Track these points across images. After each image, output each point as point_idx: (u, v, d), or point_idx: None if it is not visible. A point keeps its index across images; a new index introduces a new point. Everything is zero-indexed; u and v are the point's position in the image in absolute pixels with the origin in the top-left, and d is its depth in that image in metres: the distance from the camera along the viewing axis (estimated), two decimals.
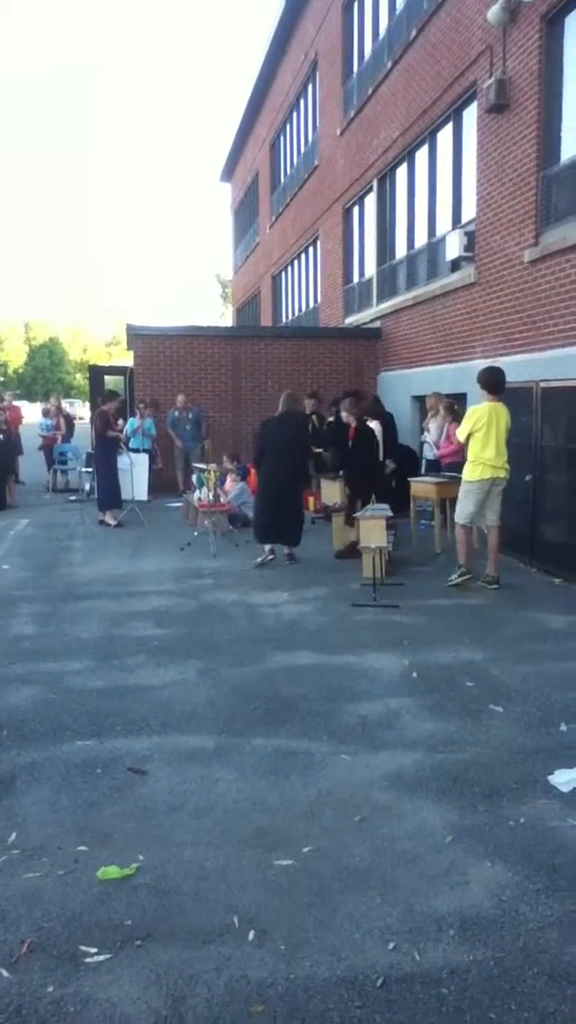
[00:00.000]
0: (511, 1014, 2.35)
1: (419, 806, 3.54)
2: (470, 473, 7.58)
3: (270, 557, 8.69)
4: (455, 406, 10.26)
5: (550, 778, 3.76)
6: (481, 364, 10.02)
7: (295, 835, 3.31)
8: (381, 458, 9.94)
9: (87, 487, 13.21)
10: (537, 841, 3.24)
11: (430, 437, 10.76)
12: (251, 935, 2.70)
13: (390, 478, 10.16)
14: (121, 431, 12.42)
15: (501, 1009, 2.37)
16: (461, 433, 7.67)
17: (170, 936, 2.70)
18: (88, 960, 2.59)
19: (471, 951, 2.62)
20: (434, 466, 10.52)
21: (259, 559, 8.67)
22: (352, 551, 8.61)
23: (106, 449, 11.52)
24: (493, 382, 7.60)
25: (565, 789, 3.65)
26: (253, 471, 11.46)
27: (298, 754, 4.08)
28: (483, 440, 7.46)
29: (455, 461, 9.95)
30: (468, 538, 7.68)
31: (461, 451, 9.19)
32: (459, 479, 8.28)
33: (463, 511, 7.66)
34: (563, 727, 4.36)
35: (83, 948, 2.64)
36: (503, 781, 3.75)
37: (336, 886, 2.97)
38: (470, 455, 7.60)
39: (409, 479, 10.04)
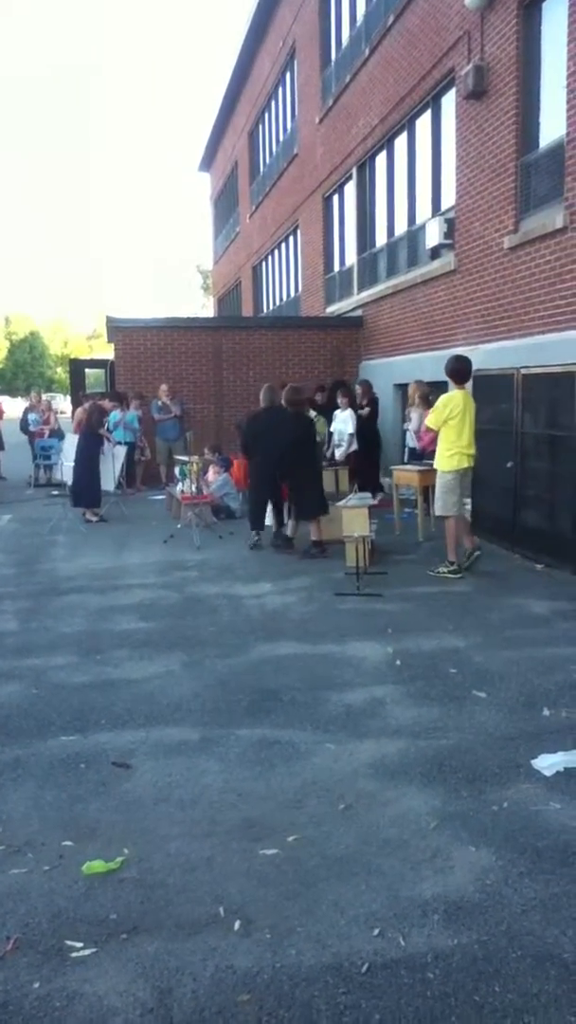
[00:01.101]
0: (496, 996, 2.37)
1: (403, 793, 3.55)
2: (447, 463, 7.54)
3: (256, 538, 9.13)
4: (429, 396, 10.26)
5: (533, 762, 3.78)
6: (464, 351, 10.05)
7: (280, 825, 3.32)
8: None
9: (64, 479, 13.15)
10: (520, 825, 3.26)
11: (411, 426, 10.78)
12: (237, 925, 2.71)
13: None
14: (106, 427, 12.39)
15: (486, 992, 2.39)
16: (435, 421, 7.59)
17: (156, 928, 2.71)
18: (74, 955, 2.59)
19: (455, 935, 2.63)
20: (415, 455, 10.53)
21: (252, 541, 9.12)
22: (289, 545, 9.00)
23: (92, 444, 11.46)
24: (461, 370, 7.65)
25: (548, 773, 3.68)
26: (236, 463, 11.47)
27: (283, 744, 4.09)
28: (458, 428, 7.49)
29: (432, 449, 9.98)
30: (457, 528, 7.64)
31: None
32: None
33: (447, 503, 7.57)
34: (546, 712, 4.39)
35: (69, 943, 2.64)
36: (486, 766, 3.78)
37: (321, 874, 2.98)
38: (444, 444, 7.56)
39: (392, 468, 10.07)
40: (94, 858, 3.10)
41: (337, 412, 11.90)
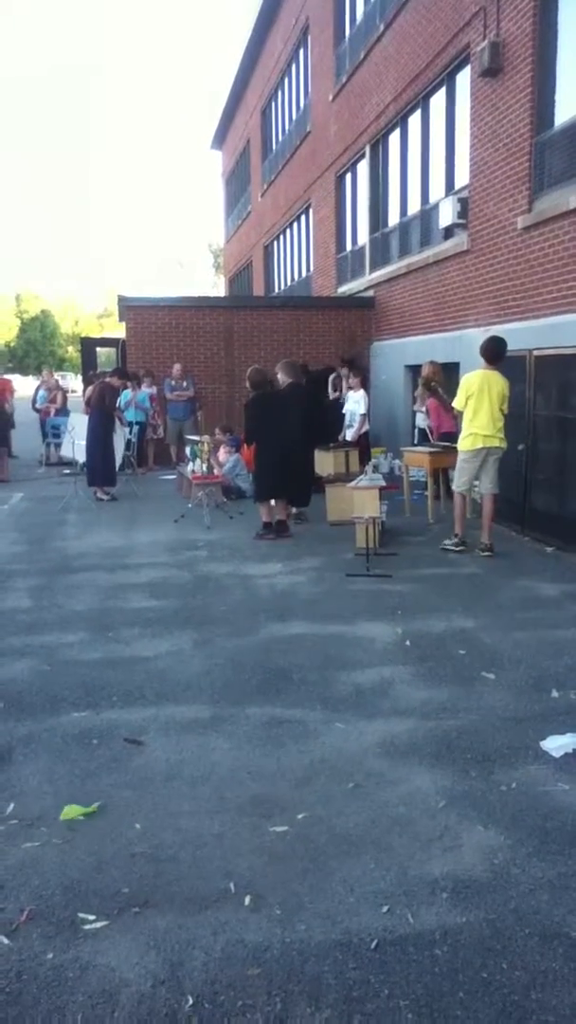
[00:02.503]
0: (503, 973, 2.40)
1: (412, 772, 3.58)
2: (462, 443, 7.69)
3: (270, 536, 8.66)
4: (431, 383, 10.21)
5: (542, 744, 3.80)
6: (474, 332, 10.02)
7: (290, 802, 3.35)
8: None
9: (80, 460, 13.17)
10: (529, 805, 3.29)
11: (421, 407, 10.77)
12: (247, 901, 2.74)
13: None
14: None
15: (493, 968, 2.42)
16: (458, 403, 7.73)
17: (167, 903, 2.74)
18: (87, 927, 2.63)
19: (464, 913, 2.66)
20: (425, 436, 10.52)
21: (261, 533, 8.71)
22: (281, 528, 8.71)
23: (105, 423, 11.49)
24: (494, 350, 7.66)
25: (556, 755, 3.69)
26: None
27: (293, 723, 4.11)
28: (474, 408, 7.52)
29: (448, 431, 9.98)
30: (462, 505, 7.81)
31: (453, 422, 9.33)
32: (452, 449, 8.41)
33: (457, 480, 7.86)
34: (555, 693, 4.40)
35: (82, 915, 2.68)
36: (495, 747, 3.79)
37: (331, 851, 3.01)
38: (464, 423, 7.67)
39: (403, 449, 10.05)
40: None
41: (350, 392, 11.86)
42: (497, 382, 7.54)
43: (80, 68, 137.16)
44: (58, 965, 2.46)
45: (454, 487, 7.99)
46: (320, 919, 2.65)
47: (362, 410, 11.47)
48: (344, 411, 11.89)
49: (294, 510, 9.24)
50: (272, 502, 8.69)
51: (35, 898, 2.78)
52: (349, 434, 11.59)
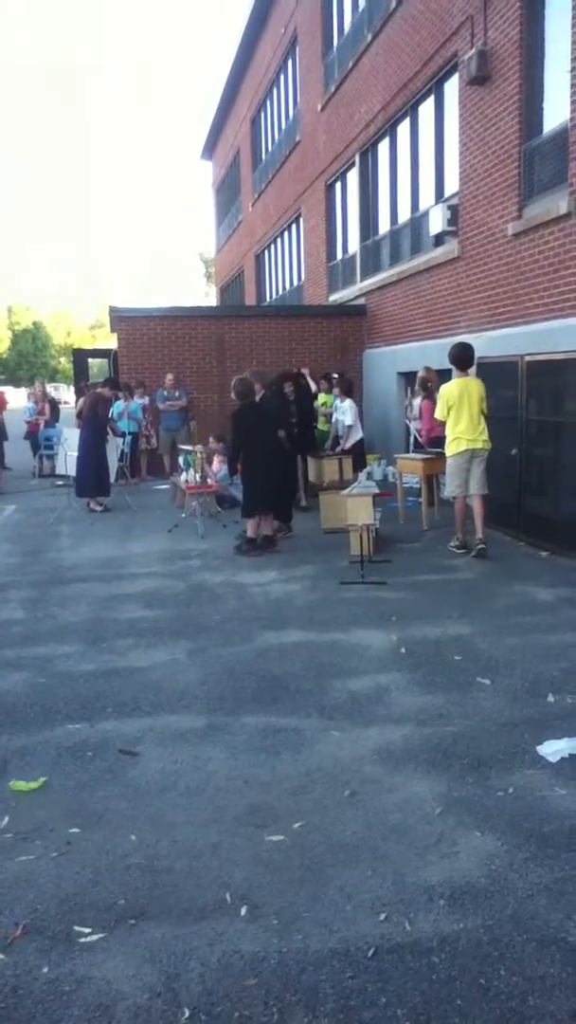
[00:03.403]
0: (501, 979, 2.39)
1: (408, 779, 3.57)
2: (448, 448, 7.94)
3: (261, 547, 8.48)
4: (429, 384, 10.25)
5: (538, 748, 3.79)
6: (466, 339, 10.03)
7: (286, 811, 3.34)
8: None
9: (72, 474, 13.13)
10: (526, 811, 3.28)
11: (412, 412, 10.79)
12: (244, 911, 2.73)
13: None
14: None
15: (491, 975, 2.40)
16: (440, 414, 7.99)
17: (163, 914, 2.73)
18: (82, 940, 2.61)
19: (461, 920, 2.65)
20: (419, 443, 10.53)
21: (246, 547, 8.35)
22: (269, 542, 8.47)
23: (97, 434, 11.48)
24: (463, 357, 7.93)
25: (553, 759, 3.69)
26: None
27: (288, 731, 4.10)
28: (456, 415, 7.77)
29: (438, 436, 10.01)
30: (461, 508, 8.00)
31: (438, 427, 9.44)
32: (443, 455, 8.52)
33: (450, 485, 8.02)
34: (550, 698, 4.40)
35: (77, 928, 2.67)
36: (491, 753, 3.79)
37: (327, 860, 3.00)
38: (447, 431, 7.92)
39: (396, 456, 10.06)
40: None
41: (336, 402, 11.82)
42: (474, 386, 7.81)
43: (70, 78, 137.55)
44: (53, 979, 2.45)
45: (446, 493, 8.25)
46: (317, 928, 2.63)
47: (348, 421, 11.40)
48: (333, 420, 11.86)
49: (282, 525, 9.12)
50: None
51: (30, 912, 2.76)
52: (346, 444, 11.54)
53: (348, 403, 11.54)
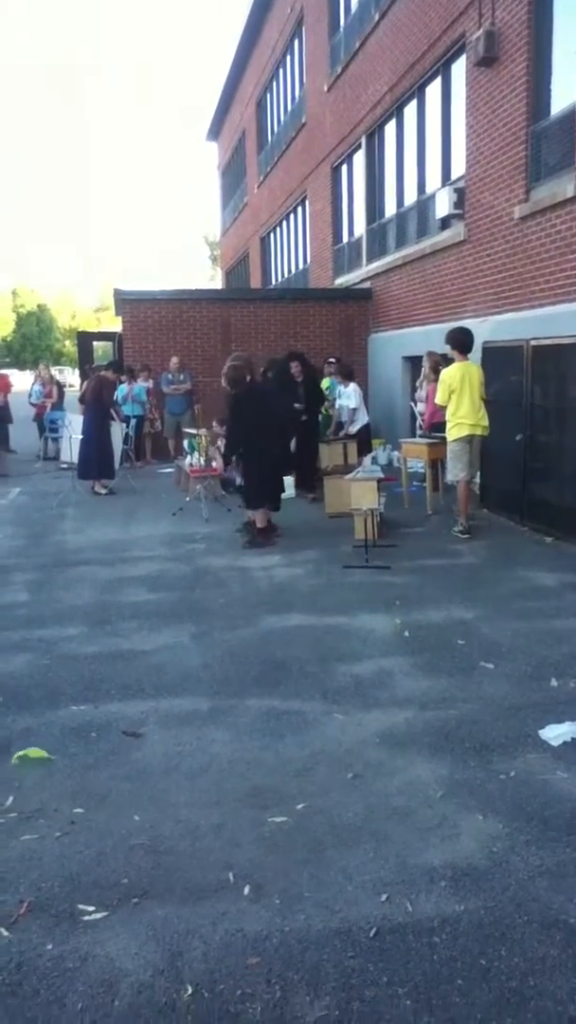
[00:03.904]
0: (501, 960, 2.40)
1: (411, 762, 3.58)
2: (451, 433, 7.99)
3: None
4: (440, 366, 10.22)
5: (541, 732, 3.80)
6: (472, 323, 9.99)
7: (289, 793, 3.35)
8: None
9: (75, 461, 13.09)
10: (528, 794, 3.29)
11: (419, 395, 10.75)
12: (246, 890, 2.75)
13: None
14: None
15: (492, 956, 2.42)
16: (441, 398, 8.04)
17: (167, 893, 2.75)
18: (86, 918, 2.64)
19: (462, 901, 2.67)
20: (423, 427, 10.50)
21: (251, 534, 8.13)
22: (266, 535, 8.06)
23: (101, 417, 11.47)
24: (464, 342, 8.01)
25: (555, 743, 3.70)
26: None
27: (291, 714, 4.12)
28: (457, 400, 7.85)
29: (440, 421, 9.99)
30: (465, 492, 8.07)
31: (440, 411, 9.47)
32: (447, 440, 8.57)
33: (454, 469, 8.05)
34: (553, 682, 4.41)
35: (81, 907, 2.69)
36: (494, 736, 3.80)
37: (330, 841, 3.01)
38: (448, 415, 7.98)
39: (401, 441, 10.03)
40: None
41: (340, 388, 11.72)
42: (475, 371, 7.93)
43: (75, 64, 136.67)
44: (57, 956, 2.47)
45: (449, 478, 8.29)
46: (319, 908, 2.65)
47: (353, 404, 11.35)
48: (337, 406, 11.78)
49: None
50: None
51: (34, 890, 2.78)
52: (351, 429, 11.45)
53: (352, 387, 11.50)
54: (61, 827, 3.15)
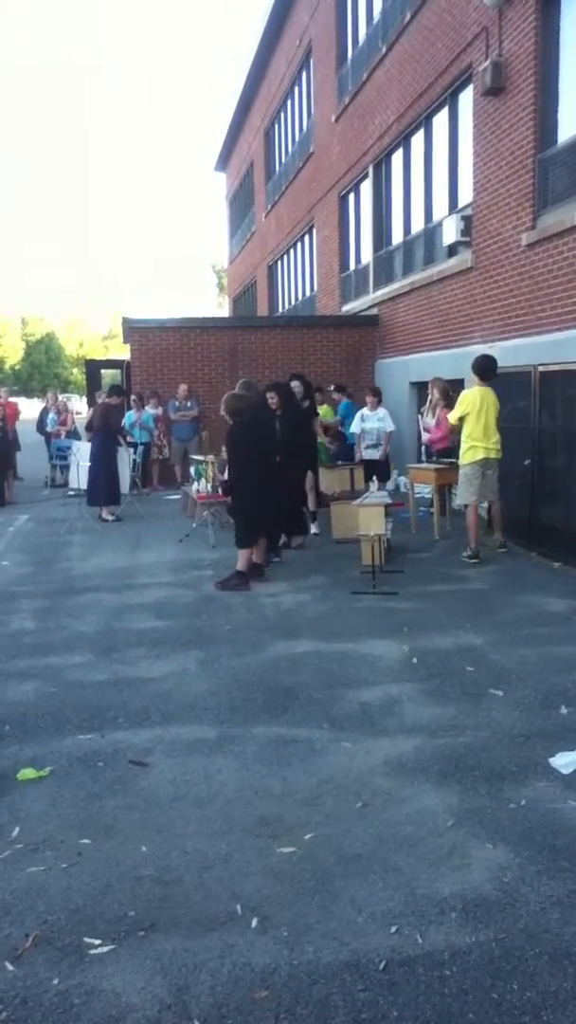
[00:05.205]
0: (513, 994, 2.36)
1: (420, 791, 3.54)
2: (465, 456, 8.01)
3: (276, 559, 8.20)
4: (450, 392, 10.23)
5: (551, 760, 3.77)
6: (480, 349, 10.02)
7: (297, 822, 3.32)
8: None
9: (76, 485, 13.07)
10: (538, 823, 3.25)
11: (424, 422, 10.69)
12: (254, 923, 2.71)
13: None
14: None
15: (503, 989, 2.38)
16: (452, 416, 8.16)
17: (173, 926, 2.72)
18: (92, 952, 2.60)
19: (473, 933, 2.63)
20: (430, 452, 10.48)
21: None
22: (256, 572, 7.56)
23: (107, 444, 11.52)
24: (488, 368, 8.07)
25: (566, 771, 3.66)
26: None
27: (299, 742, 4.09)
28: (474, 423, 7.91)
29: (446, 447, 10.00)
30: (474, 517, 8.08)
31: (449, 436, 9.50)
32: (456, 465, 8.63)
33: (465, 493, 8.07)
34: (563, 710, 4.37)
35: (87, 940, 2.65)
36: (504, 764, 3.76)
37: (338, 872, 2.98)
38: (463, 438, 8.01)
39: (408, 466, 10.01)
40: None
41: (366, 411, 11.28)
42: (492, 397, 7.98)
43: (74, 59, 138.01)
44: (63, 991, 2.44)
45: (458, 502, 8.30)
46: (328, 940, 2.62)
47: (391, 427, 11.06)
48: (364, 429, 11.23)
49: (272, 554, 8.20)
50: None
51: (40, 923, 2.75)
52: (377, 453, 11.07)
53: (384, 410, 11.29)
54: (68, 858, 3.12)
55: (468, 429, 7.93)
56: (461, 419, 8.01)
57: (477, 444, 7.89)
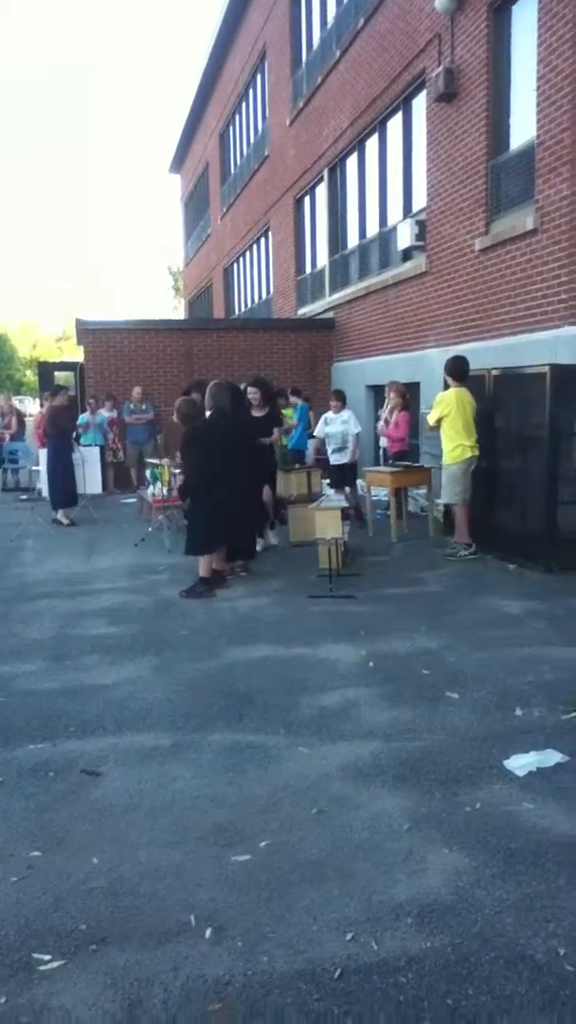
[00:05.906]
0: (469, 999, 2.35)
1: (376, 795, 3.53)
2: (452, 455, 8.08)
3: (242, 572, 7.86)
4: (407, 395, 10.26)
5: (506, 763, 3.78)
6: (434, 353, 10.11)
7: (252, 830, 3.29)
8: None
9: (38, 486, 12.89)
10: (494, 826, 3.25)
11: (380, 425, 10.66)
12: (208, 933, 2.67)
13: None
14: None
15: (459, 994, 2.37)
16: (432, 418, 8.21)
17: (126, 939, 2.66)
18: (42, 968, 2.54)
19: (428, 938, 2.61)
20: (388, 456, 10.50)
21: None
22: (218, 580, 7.39)
23: (61, 446, 11.36)
24: (461, 369, 8.19)
25: (521, 773, 3.67)
26: None
27: (255, 748, 4.05)
28: (453, 423, 8.02)
29: (402, 450, 10.04)
30: (465, 513, 8.19)
31: (406, 440, 9.55)
32: (412, 468, 8.69)
33: (453, 492, 8.16)
34: (518, 712, 4.39)
35: (36, 956, 2.59)
36: (459, 767, 3.76)
37: (294, 879, 2.95)
38: (445, 439, 8.10)
39: (366, 469, 10.03)
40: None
41: (330, 415, 11.06)
42: (468, 397, 8.07)
43: (72, 81, 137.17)
44: (9, 1011, 2.37)
45: (447, 499, 8.32)
46: (283, 949, 2.59)
47: (357, 429, 10.42)
48: (328, 433, 10.64)
49: (239, 562, 7.94)
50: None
51: None
52: (345, 456, 10.42)
53: (348, 412, 10.91)
54: (17, 871, 3.05)
55: (450, 431, 8.03)
56: (439, 421, 8.10)
57: (463, 443, 8.01)
